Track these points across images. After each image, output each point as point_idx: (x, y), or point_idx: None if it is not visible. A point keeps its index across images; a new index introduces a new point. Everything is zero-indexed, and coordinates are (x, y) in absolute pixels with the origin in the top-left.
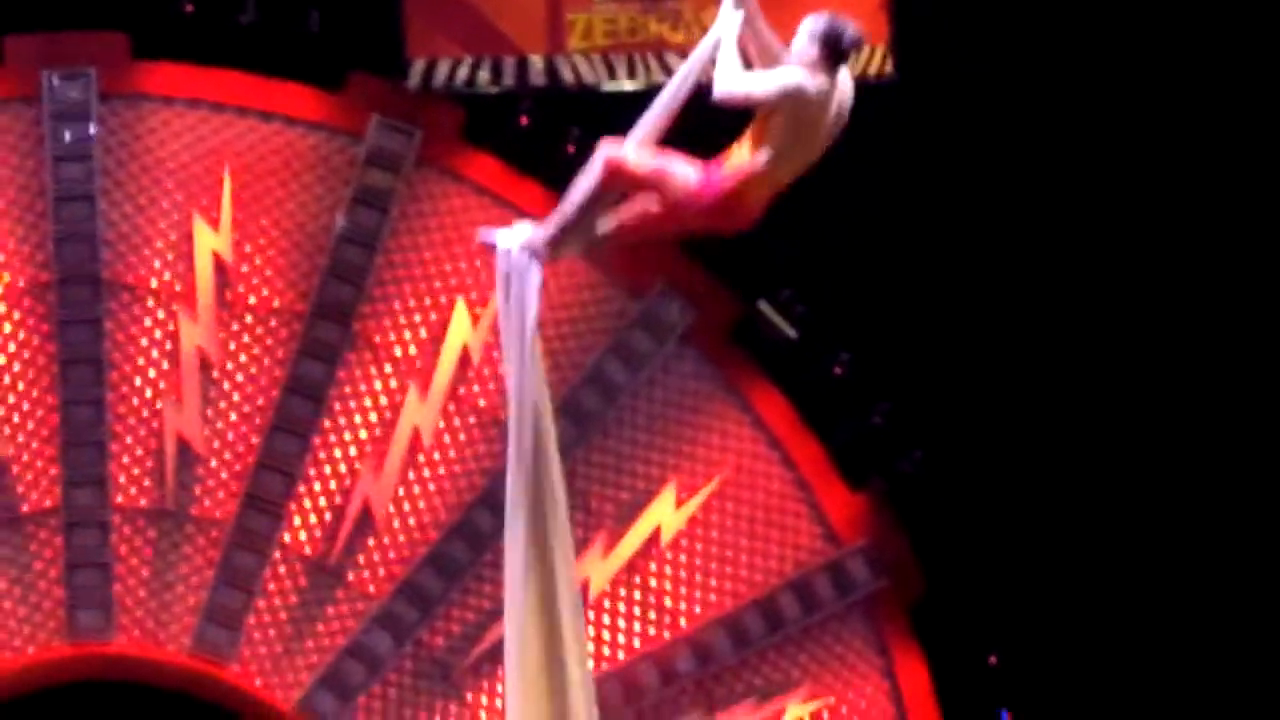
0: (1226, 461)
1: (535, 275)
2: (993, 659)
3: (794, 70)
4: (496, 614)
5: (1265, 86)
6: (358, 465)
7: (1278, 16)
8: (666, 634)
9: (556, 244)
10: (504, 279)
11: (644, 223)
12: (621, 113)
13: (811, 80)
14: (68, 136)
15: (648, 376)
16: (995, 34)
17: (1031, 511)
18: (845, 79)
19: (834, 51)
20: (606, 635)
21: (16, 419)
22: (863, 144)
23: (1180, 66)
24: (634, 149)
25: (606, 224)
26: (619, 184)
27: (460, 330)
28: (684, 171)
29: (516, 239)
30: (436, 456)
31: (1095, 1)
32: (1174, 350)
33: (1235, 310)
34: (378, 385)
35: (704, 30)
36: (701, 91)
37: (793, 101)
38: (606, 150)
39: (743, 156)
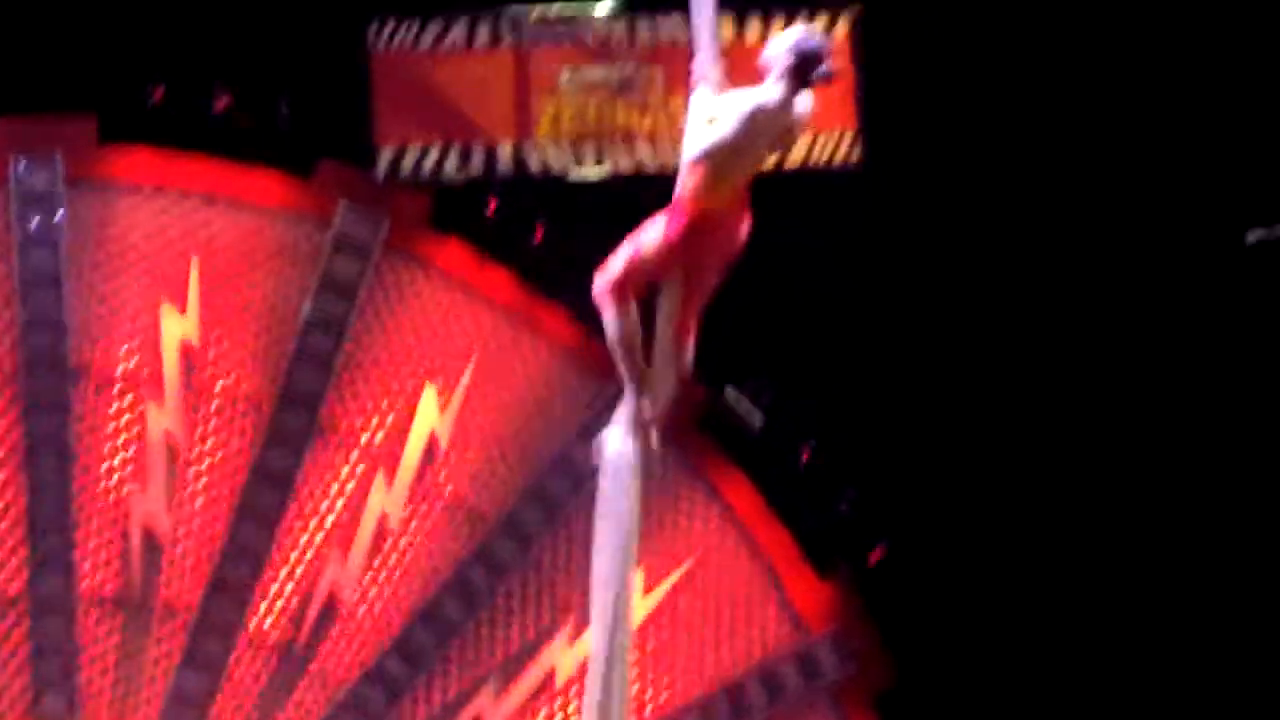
0: (1196, 543)
1: (640, 464)
2: None
3: (745, 98)
4: (462, 701)
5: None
6: (324, 551)
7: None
8: None
9: (651, 402)
10: (613, 472)
11: (684, 302)
12: (589, 200)
13: (768, 96)
14: (34, 221)
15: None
16: (963, 120)
17: (998, 599)
18: (805, 99)
19: (802, 70)
20: None
21: None
22: (830, 230)
23: (1146, 153)
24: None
25: (666, 339)
26: (623, 300)
27: (427, 417)
28: (652, 231)
29: (622, 433)
30: (403, 543)
31: (1062, 88)
32: (1140, 442)
33: (1201, 413)
34: (344, 472)
35: (670, 117)
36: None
37: (745, 130)
38: (595, 292)
39: (685, 176)
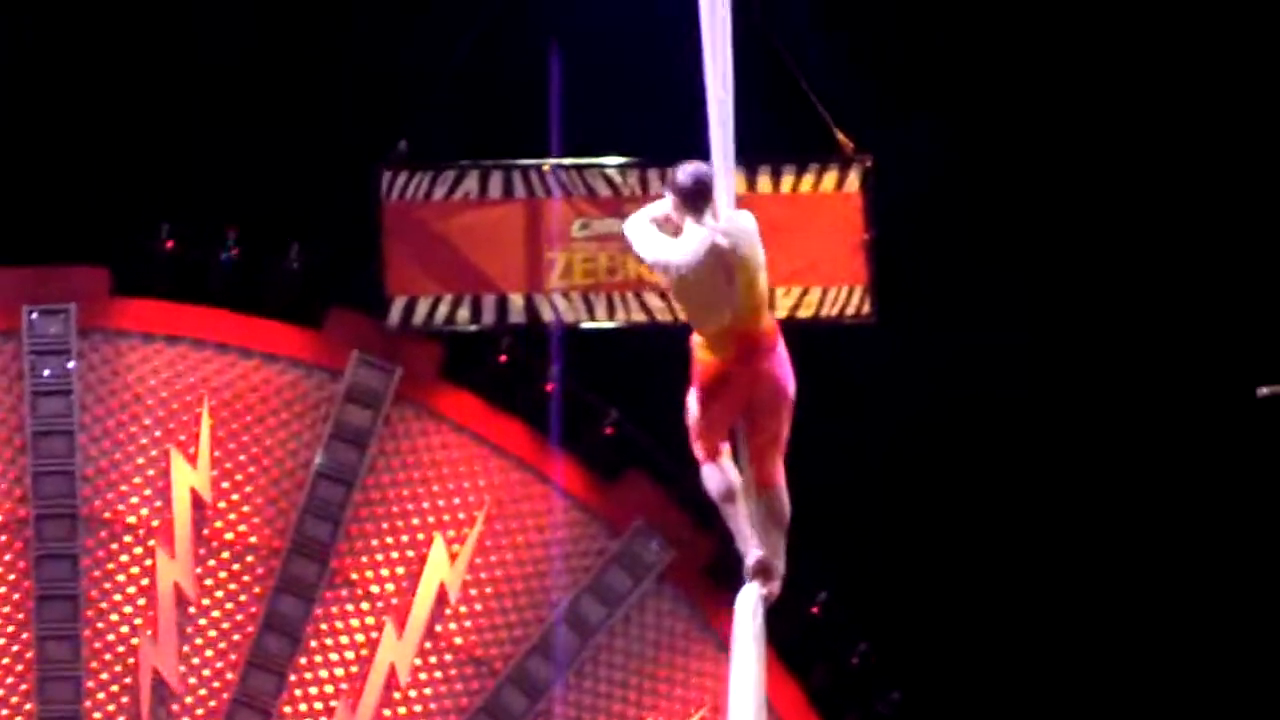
0: (1202, 652)
1: (754, 615)
2: None
3: (673, 246)
4: None
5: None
6: (334, 703)
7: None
8: None
9: (754, 553)
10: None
11: (755, 453)
12: (601, 351)
13: (690, 243)
14: (47, 371)
15: (624, 614)
16: (972, 276)
17: None
18: (727, 219)
19: (681, 197)
20: None
21: None
22: (840, 383)
23: (1158, 307)
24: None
25: (749, 490)
26: (708, 457)
27: (438, 567)
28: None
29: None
30: (413, 694)
31: (1072, 242)
32: (1153, 584)
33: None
34: (355, 623)
35: None
36: None
37: (683, 268)
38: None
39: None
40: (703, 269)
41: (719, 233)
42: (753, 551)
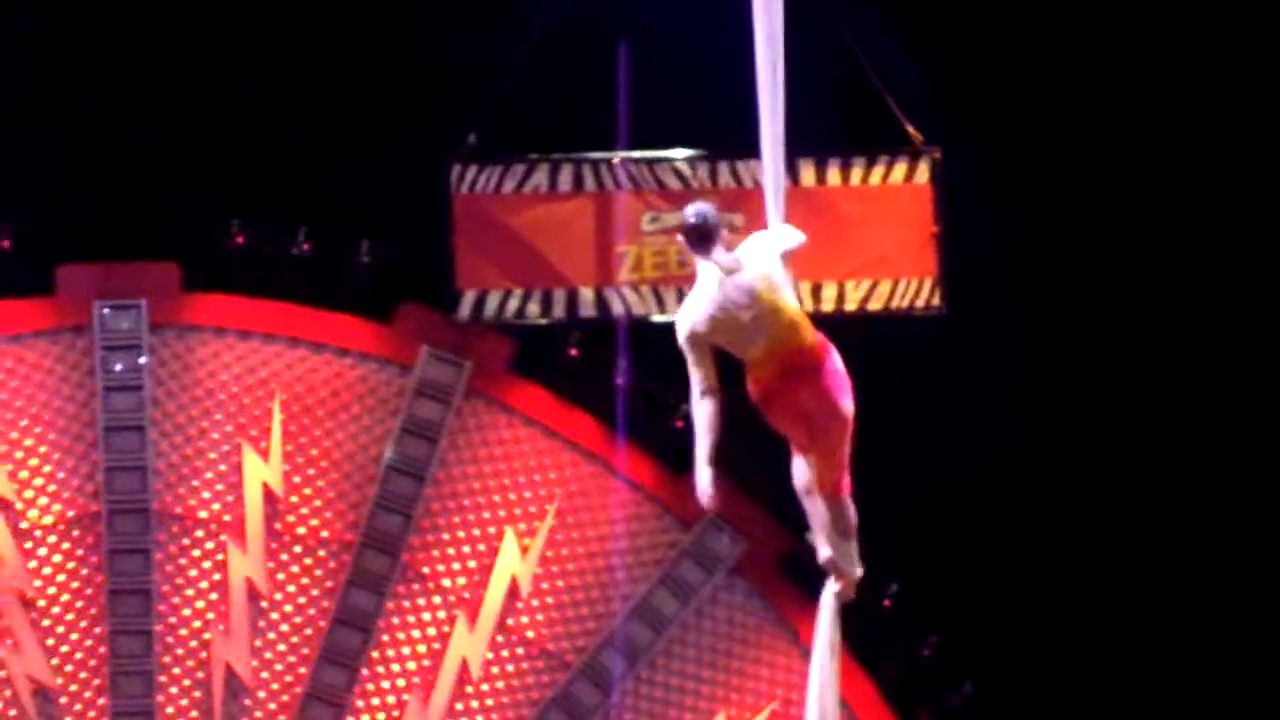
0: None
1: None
2: None
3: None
4: None
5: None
6: (405, 696)
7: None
8: None
9: (830, 554)
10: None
11: (820, 467)
12: (670, 344)
13: (702, 299)
14: (118, 367)
15: (697, 607)
16: (1042, 267)
17: None
18: (733, 256)
19: (694, 239)
20: None
21: (65, 649)
22: (910, 375)
23: (1226, 292)
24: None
25: (819, 502)
26: (796, 453)
27: (509, 560)
28: None
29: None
30: (485, 688)
31: (1140, 232)
32: (1206, 562)
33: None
34: (426, 616)
35: None
36: None
37: (704, 324)
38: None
39: None
40: (725, 313)
41: (735, 266)
42: (821, 550)
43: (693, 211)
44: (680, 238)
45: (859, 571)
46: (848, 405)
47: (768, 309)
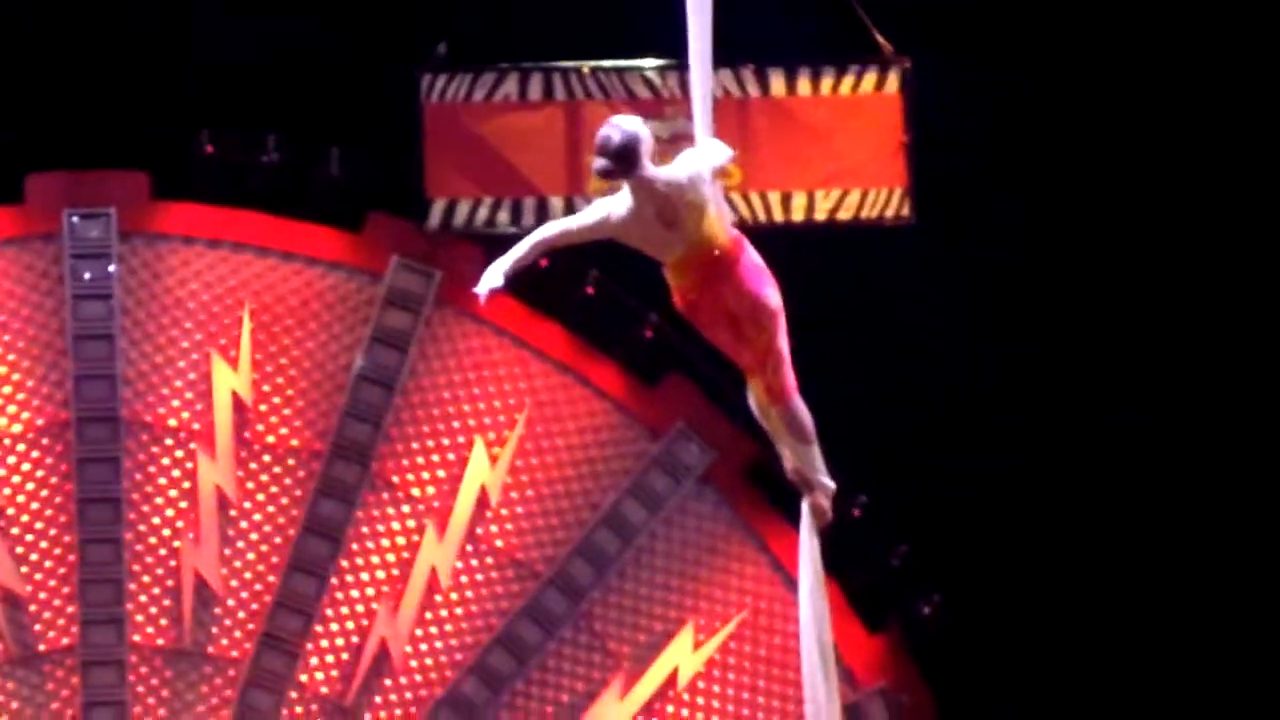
0: (1242, 602)
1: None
2: None
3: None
4: None
5: None
6: (375, 605)
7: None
8: None
9: (788, 462)
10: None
11: (754, 370)
12: (639, 255)
13: (615, 209)
14: (87, 275)
15: (665, 517)
16: (1011, 177)
17: (1051, 655)
18: (665, 172)
19: (610, 159)
20: None
21: (34, 557)
22: (879, 286)
23: (1192, 203)
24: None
25: (761, 404)
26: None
27: (478, 470)
28: None
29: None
30: (454, 597)
31: (1108, 145)
32: (1187, 489)
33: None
34: (395, 525)
35: (726, 175)
36: None
37: (614, 230)
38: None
39: None
40: (639, 225)
41: (659, 184)
42: (786, 462)
43: (606, 142)
44: (597, 160)
45: (829, 482)
46: (771, 295)
47: (691, 224)
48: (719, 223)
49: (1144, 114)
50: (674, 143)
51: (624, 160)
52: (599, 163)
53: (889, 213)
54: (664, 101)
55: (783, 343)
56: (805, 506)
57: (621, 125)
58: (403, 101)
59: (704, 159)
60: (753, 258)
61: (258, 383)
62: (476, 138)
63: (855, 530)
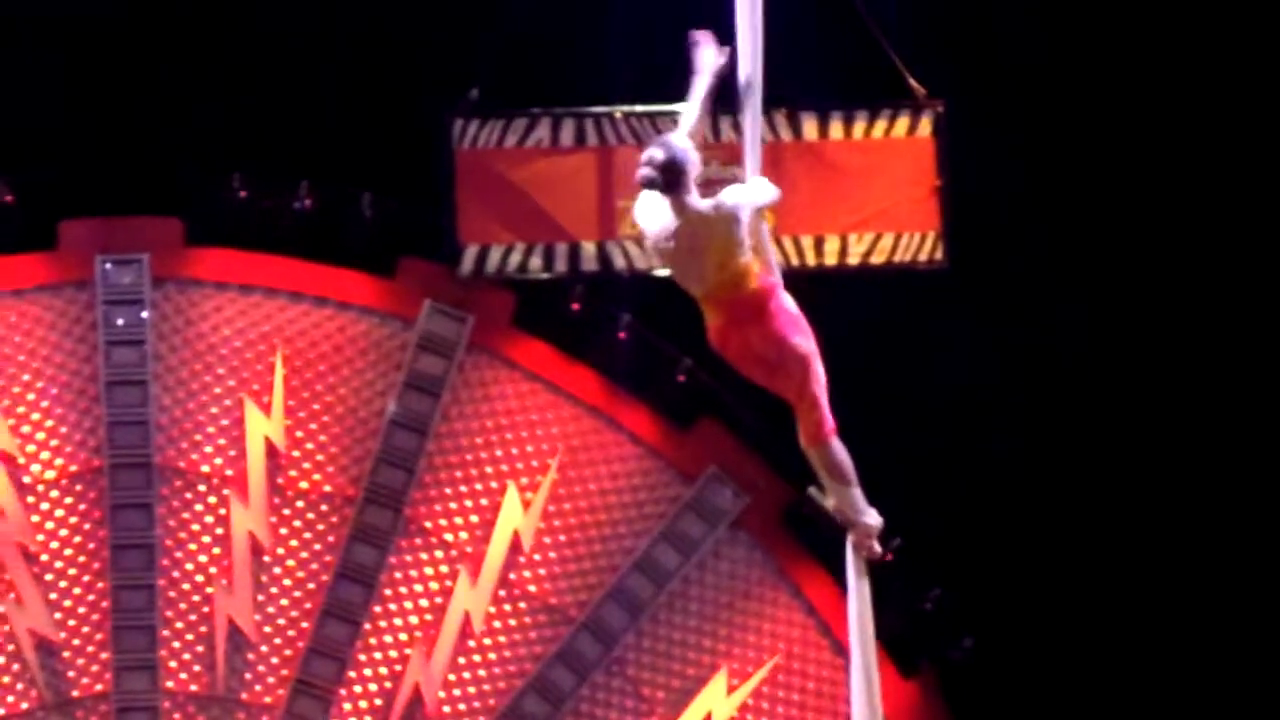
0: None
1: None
2: None
3: (644, 215)
4: None
5: None
6: (408, 650)
7: None
8: None
9: (837, 507)
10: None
11: (797, 414)
12: (674, 298)
13: (654, 218)
14: (120, 321)
15: (699, 561)
16: (1045, 221)
17: (1083, 697)
18: (710, 201)
19: (652, 179)
20: None
21: (68, 604)
22: (912, 328)
23: (1233, 253)
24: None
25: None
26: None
27: (511, 515)
28: None
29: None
30: (487, 642)
31: (1138, 191)
32: (1220, 533)
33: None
34: (429, 570)
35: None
36: None
37: (649, 239)
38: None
39: None
40: (668, 244)
41: (689, 212)
42: (829, 499)
43: (647, 163)
44: (644, 173)
45: (873, 519)
46: (802, 343)
47: (713, 263)
48: (751, 264)
49: (1177, 158)
50: (706, 187)
51: (669, 174)
52: (643, 171)
53: (922, 256)
54: (697, 146)
55: (817, 388)
56: (850, 545)
57: (672, 142)
58: (435, 147)
59: (745, 196)
60: (785, 304)
61: (291, 428)
62: (509, 183)
63: (888, 573)
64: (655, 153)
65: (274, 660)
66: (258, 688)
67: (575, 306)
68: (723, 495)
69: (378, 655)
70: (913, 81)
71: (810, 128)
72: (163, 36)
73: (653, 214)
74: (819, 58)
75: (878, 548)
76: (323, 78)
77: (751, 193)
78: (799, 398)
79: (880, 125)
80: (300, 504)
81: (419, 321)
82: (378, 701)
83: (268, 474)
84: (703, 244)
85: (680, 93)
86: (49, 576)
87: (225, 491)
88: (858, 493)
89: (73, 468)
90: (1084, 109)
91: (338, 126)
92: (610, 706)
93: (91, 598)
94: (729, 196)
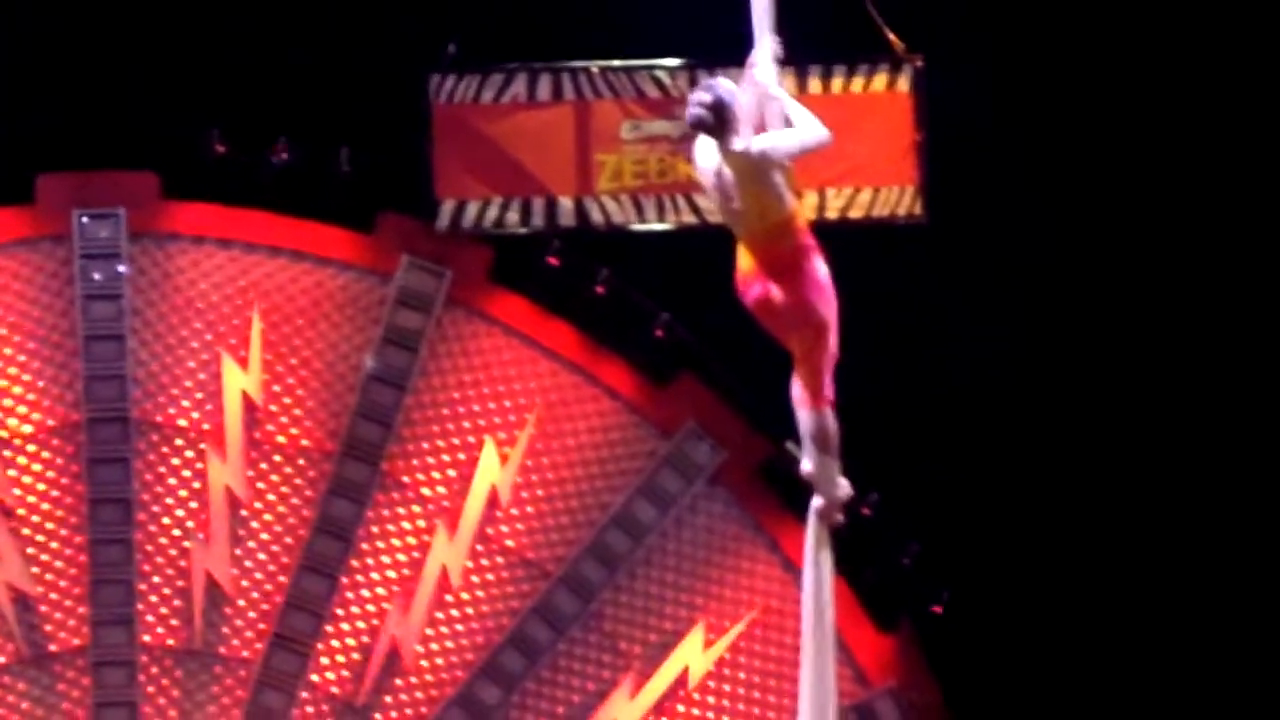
0: (1245, 587)
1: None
2: None
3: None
4: None
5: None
6: (386, 605)
7: None
8: None
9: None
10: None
11: (801, 370)
12: (651, 253)
13: (701, 158)
14: (97, 276)
15: (676, 517)
16: (1024, 175)
17: (1061, 653)
18: (738, 143)
19: (701, 122)
20: None
21: (45, 558)
22: (890, 284)
23: (1207, 199)
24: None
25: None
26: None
27: (489, 470)
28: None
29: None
30: (465, 596)
31: (1125, 143)
32: (1197, 484)
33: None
34: (406, 525)
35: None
36: None
37: (701, 179)
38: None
39: None
40: (712, 186)
41: (725, 157)
42: (804, 463)
43: (697, 103)
44: (694, 113)
45: (842, 492)
46: (824, 312)
47: (749, 209)
48: (795, 218)
49: (1156, 110)
50: (683, 143)
51: (717, 115)
52: (693, 111)
53: (901, 211)
54: (674, 101)
55: (825, 357)
56: (814, 513)
57: (719, 85)
58: (412, 101)
59: (781, 141)
60: (818, 268)
61: (268, 383)
62: (486, 138)
63: (866, 529)
64: (703, 94)
65: (251, 615)
66: (235, 642)
67: (553, 261)
68: (700, 450)
69: (355, 610)
70: (892, 36)
71: (788, 82)
72: None
73: (705, 156)
74: (797, 12)
75: (841, 518)
76: (300, 33)
77: (797, 135)
78: (804, 361)
79: (859, 80)
80: (278, 458)
81: (397, 276)
82: (355, 656)
83: (245, 428)
84: (740, 188)
85: (655, 48)
86: (26, 531)
87: (203, 446)
88: (836, 464)
89: (50, 422)
90: (1062, 64)
91: (315, 81)
92: (588, 661)
93: (69, 552)
94: (759, 141)
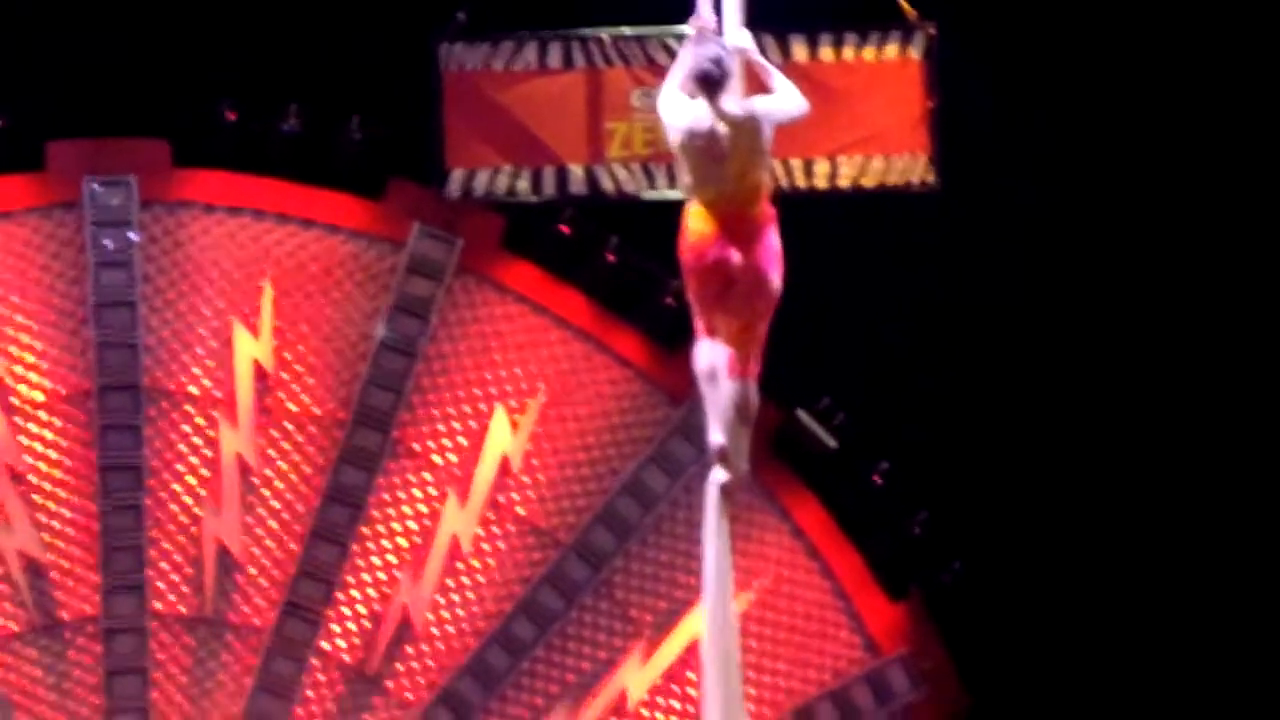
0: (1256, 559)
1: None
2: None
3: (675, 110)
4: None
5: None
6: (397, 573)
7: None
8: None
9: (719, 437)
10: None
11: (734, 330)
12: (662, 221)
13: (686, 114)
14: (109, 243)
15: (686, 484)
16: (1036, 143)
17: (1071, 621)
18: (732, 103)
19: (698, 83)
20: None
21: (56, 525)
22: (904, 252)
23: (1220, 177)
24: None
25: (723, 376)
26: (703, 334)
27: (500, 437)
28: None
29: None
30: (476, 564)
31: (1135, 112)
32: (1207, 454)
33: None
34: (417, 492)
35: None
36: None
37: (676, 134)
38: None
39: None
40: (694, 143)
41: (723, 116)
42: (714, 436)
43: (706, 57)
44: (705, 68)
45: (745, 466)
46: (776, 282)
47: (735, 172)
48: (767, 184)
49: (1169, 77)
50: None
51: (723, 72)
52: (705, 65)
53: (913, 179)
54: None
55: (764, 329)
56: (718, 488)
57: (722, 41)
58: (423, 69)
59: (775, 106)
60: (774, 239)
61: (279, 350)
62: (496, 106)
63: (876, 497)
64: (712, 49)
65: (262, 582)
66: (246, 609)
67: (564, 229)
68: None
69: (366, 577)
70: (904, 3)
71: (800, 50)
72: None
73: (680, 110)
74: None
75: (740, 492)
76: (311, 0)
77: (781, 103)
78: (745, 329)
79: (870, 48)
80: (289, 426)
81: (408, 244)
82: (366, 624)
83: (256, 396)
84: (729, 149)
85: (665, 15)
86: (37, 498)
87: (214, 413)
88: (747, 436)
89: (61, 390)
90: (1075, 32)
91: (326, 49)
92: (598, 629)
93: (80, 520)
94: (760, 104)
